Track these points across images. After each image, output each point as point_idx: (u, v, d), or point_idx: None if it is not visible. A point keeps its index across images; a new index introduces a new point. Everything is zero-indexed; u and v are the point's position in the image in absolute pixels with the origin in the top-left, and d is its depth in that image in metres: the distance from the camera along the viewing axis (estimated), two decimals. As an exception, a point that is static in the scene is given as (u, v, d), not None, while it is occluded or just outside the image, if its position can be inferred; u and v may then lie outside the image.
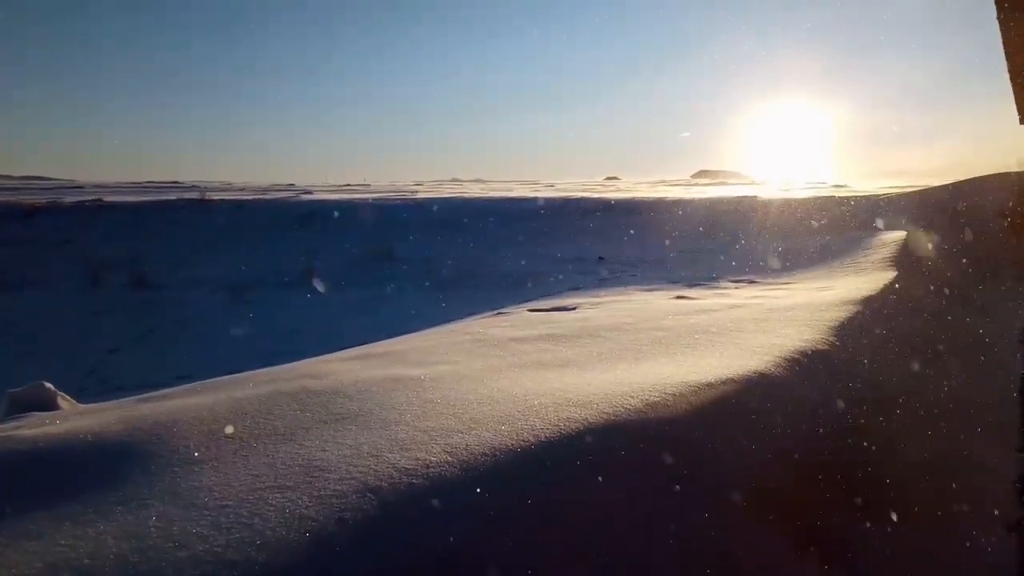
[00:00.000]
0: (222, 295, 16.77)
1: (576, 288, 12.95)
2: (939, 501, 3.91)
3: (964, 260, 12.54)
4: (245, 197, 28.97)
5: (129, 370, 11.25)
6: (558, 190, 37.54)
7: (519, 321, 7.46)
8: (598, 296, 10.01)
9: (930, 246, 12.96)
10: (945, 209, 17.08)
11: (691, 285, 11.10)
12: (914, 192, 20.95)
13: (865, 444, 4.24)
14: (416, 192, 35.63)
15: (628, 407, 3.51)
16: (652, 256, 18.05)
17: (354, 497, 2.70)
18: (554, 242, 20.61)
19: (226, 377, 5.21)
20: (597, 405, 3.53)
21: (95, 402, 5.53)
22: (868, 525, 3.51)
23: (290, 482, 2.89)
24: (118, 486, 3.07)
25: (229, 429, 3.76)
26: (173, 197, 28.34)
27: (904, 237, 12.87)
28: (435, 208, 24.83)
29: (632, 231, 20.98)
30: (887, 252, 11.49)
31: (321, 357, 5.89)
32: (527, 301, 10.15)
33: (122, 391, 9.13)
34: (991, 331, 8.22)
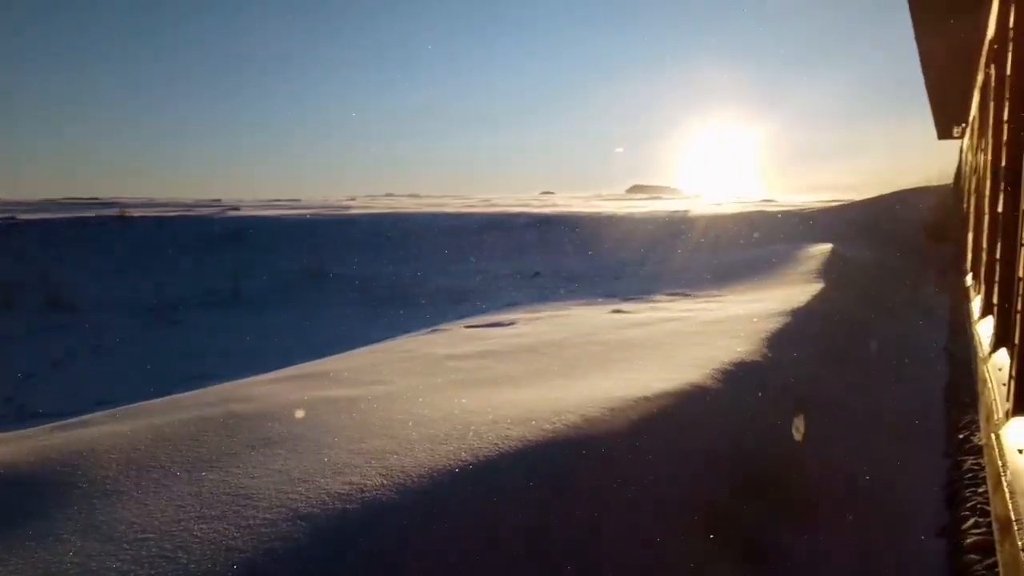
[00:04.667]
0: (144, 316, 16.20)
1: (513, 303, 12.94)
2: (870, 508, 3.99)
3: (888, 271, 13.03)
4: (168, 213, 28.09)
5: (46, 396, 10.70)
6: (493, 205, 37.62)
7: (455, 338, 7.40)
8: (535, 311, 10.01)
9: (855, 258, 13.42)
10: (869, 222, 17.77)
11: (627, 299, 11.21)
12: (839, 206, 21.71)
13: (798, 453, 4.31)
14: (349, 208, 35.19)
15: (567, 423, 3.49)
16: (588, 270, 18.21)
17: (285, 525, 2.59)
18: (490, 258, 20.61)
19: (148, 402, 4.99)
20: (535, 422, 3.50)
21: (8, 431, 5.21)
22: (801, 534, 3.55)
23: (216, 511, 2.76)
24: (32, 520, 2.90)
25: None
26: (91, 214, 27.26)
27: (830, 250, 13.28)
28: (368, 224, 24.55)
29: (568, 246, 21.15)
30: (814, 264, 11.85)
31: (249, 379, 5.70)
32: (463, 317, 10.08)
33: (38, 418, 8.66)
34: (916, 339, 8.52)
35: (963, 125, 13.01)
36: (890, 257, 14.63)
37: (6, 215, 27.21)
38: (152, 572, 2.35)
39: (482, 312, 11.12)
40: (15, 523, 2.88)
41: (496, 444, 3.21)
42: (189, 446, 3.62)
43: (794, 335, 6.51)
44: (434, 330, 8.55)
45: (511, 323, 8.54)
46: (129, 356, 13.28)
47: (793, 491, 3.94)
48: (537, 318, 8.98)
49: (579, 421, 3.52)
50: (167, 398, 5.09)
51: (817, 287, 9.59)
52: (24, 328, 15.23)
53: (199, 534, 2.58)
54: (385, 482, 2.88)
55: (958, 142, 15.53)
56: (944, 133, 15.07)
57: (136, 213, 27.35)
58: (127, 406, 4.90)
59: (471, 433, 3.39)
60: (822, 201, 27.48)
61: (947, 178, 19.34)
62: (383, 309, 16.01)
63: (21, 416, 9.75)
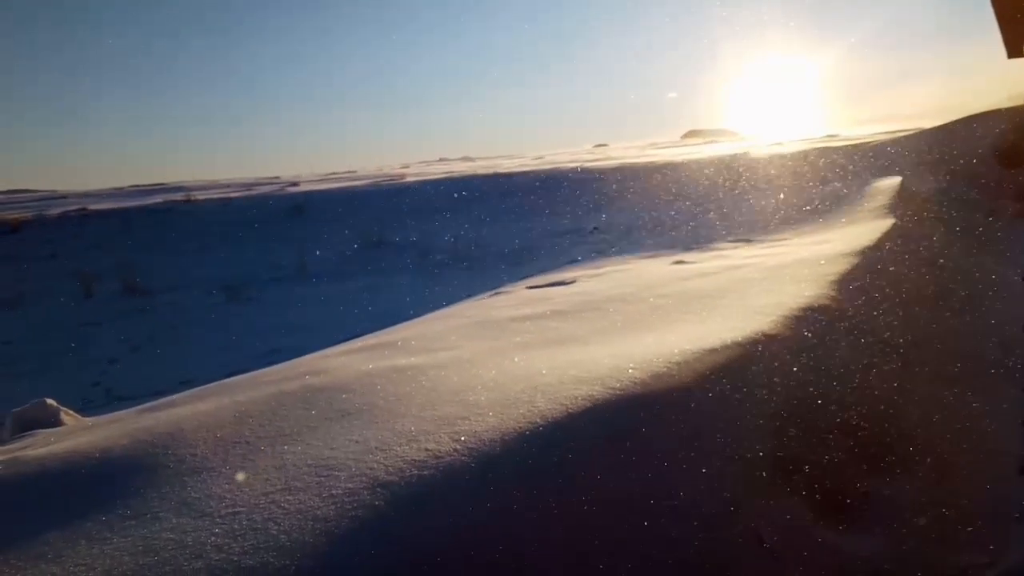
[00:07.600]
0: (217, 295, 16.71)
1: (573, 261, 12.90)
2: (952, 449, 3.90)
3: (962, 201, 12.50)
4: (231, 194, 28.76)
5: (131, 379, 11.21)
6: (547, 162, 37.30)
7: (518, 299, 7.42)
8: (596, 267, 9.97)
9: (925, 190, 12.90)
10: (939, 151, 17.00)
11: (688, 248, 11.06)
12: (906, 136, 20.84)
13: (874, 398, 4.22)
14: (404, 176, 35.40)
15: (634, 380, 3.48)
16: (647, 222, 17.98)
17: (366, 493, 2.68)
18: (547, 216, 20.53)
19: (228, 380, 5.18)
20: (603, 380, 3.50)
21: (100, 414, 5.50)
22: (883, 481, 3.50)
23: (300, 483, 2.87)
24: (129, 500, 3.05)
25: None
26: (159, 200, 28.10)
27: (899, 183, 12.79)
28: (424, 190, 24.70)
29: (625, 198, 20.88)
30: (883, 200, 11.44)
31: (322, 352, 5.85)
32: (525, 278, 10.10)
33: (126, 401, 9.12)
34: (993, 271, 8.19)
35: (1037, 41, 12.27)
36: (962, 186, 14.01)
37: (78, 207, 28.27)
38: (245, 544, 2.47)
39: (543, 271, 11.12)
40: (114, 504, 3.04)
41: (565, 405, 3.23)
42: (270, 420, 3.75)
43: (864, 275, 6.33)
44: (496, 292, 8.60)
45: (572, 281, 8.52)
46: (206, 336, 13.76)
47: (870, 435, 3.87)
48: (598, 274, 8.94)
49: (646, 378, 3.51)
50: (246, 375, 5.27)
51: (886, 224, 9.26)
52: (106, 314, 15.90)
53: (286, 506, 2.70)
54: (458, 447, 2.94)
55: (1031, 60, 14.67)
56: (1015, 51, 14.25)
57: (201, 196, 28.07)
58: (209, 385, 5.10)
59: (539, 395, 3.42)
60: (887, 132, 26.41)
61: (1020, 99, 18.31)
62: (444, 274, 16.16)
63: (108, 399, 10.25)
